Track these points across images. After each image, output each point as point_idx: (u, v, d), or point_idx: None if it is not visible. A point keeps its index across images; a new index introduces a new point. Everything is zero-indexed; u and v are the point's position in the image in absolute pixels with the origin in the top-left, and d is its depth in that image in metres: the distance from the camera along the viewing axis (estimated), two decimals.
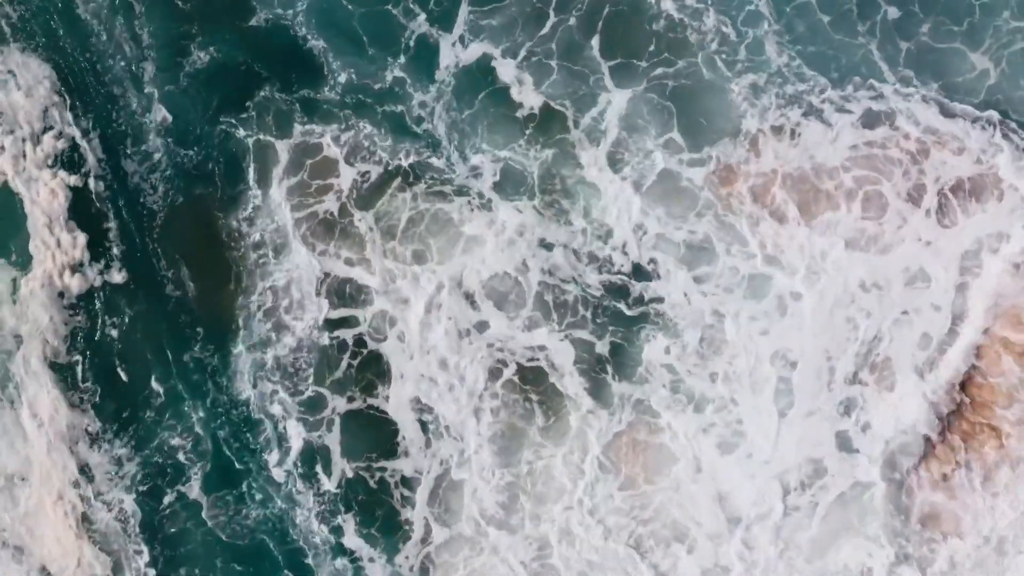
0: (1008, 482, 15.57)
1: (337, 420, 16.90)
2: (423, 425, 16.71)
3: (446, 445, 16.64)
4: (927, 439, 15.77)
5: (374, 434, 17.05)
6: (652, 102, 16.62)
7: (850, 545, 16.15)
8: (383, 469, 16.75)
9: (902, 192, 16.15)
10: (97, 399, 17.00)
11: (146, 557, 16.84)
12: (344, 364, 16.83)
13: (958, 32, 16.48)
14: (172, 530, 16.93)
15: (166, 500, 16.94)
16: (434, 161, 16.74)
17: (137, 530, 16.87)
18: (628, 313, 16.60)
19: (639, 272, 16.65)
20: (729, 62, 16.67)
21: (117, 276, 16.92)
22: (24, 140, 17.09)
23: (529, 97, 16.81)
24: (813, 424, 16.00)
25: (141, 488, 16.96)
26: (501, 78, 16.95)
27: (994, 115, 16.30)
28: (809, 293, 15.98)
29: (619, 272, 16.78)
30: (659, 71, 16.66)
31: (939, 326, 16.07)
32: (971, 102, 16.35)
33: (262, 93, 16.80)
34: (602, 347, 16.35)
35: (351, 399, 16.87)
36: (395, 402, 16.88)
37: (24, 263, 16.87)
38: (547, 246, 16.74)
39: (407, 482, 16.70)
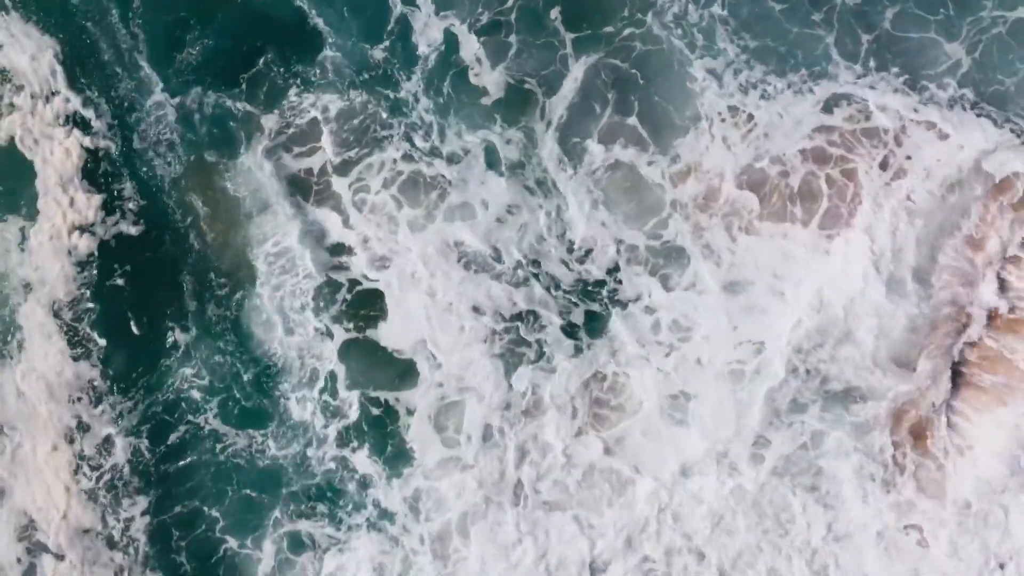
0: None
1: (336, 351, 17.47)
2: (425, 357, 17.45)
3: (447, 375, 17.41)
4: None
5: (378, 365, 17.60)
6: (606, 84, 17.57)
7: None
8: (386, 400, 17.48)
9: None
10: (104, 351, 17.22)
11: (141, 505, 17.20)
12: (344, 300, 17.51)
13: (932, 21, 17.48)
14: (172, 470, 17.31)
15: (170, 440, 17.32)
16: (419, 140, 17.47)
17: (134, 478, 17.19)
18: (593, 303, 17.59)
19: (600, 267, 17.54)
20: (690, 45, 17.56)
21: (132, 229, 17.33)
22: (34, 98, 17.36)
23: (495, 77, 17.59)
24: None
25: (143, 434, 17.27)
26: (473, 56, 17.62)
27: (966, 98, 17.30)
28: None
29: (584, 267, 17.63)
30: (617, 53, 17.55)
31: None
32: (942, 90, 17.25)
33: (256, 66, 17.50)
34: (576, 316, 17.50)
35: (358, 329, 17.41)
36: (395, 334, 17.60)
37: (33, 215, 17.18)
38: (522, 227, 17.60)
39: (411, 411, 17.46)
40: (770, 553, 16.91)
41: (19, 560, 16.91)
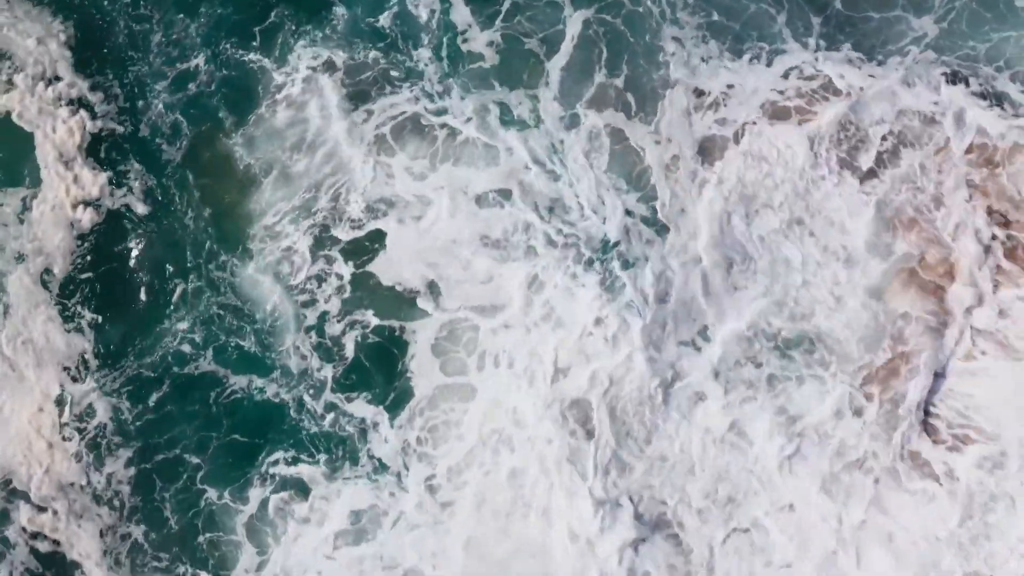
0: None
1: (338, 289, 18.14)
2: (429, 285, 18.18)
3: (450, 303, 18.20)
4: None
5: (380, 302, 18.26)
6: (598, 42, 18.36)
7: None
8: (388, 333, 18.16)
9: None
10: (97, 320, 17.86)
11: (124, 459, 17.80)
12: (346, 243, 18.22)
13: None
14: (157, 425, 17.88)
15: (157, 397, 17.86)
16: (432, 100, 18.30)
17: (119, 436, 17.80)
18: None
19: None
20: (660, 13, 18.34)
21: (138, 205, 18.03)
22: (33, 79, 17.99)
23: (493, 37, 18.35)
24: None
25: (130, 392, 17.85)
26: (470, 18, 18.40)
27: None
28: None
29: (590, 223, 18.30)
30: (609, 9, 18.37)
31: None
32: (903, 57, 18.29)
33: (268, 20, 18.38)
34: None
35: (358, 267, 18.05)
36: (397, 269, 18.31)
37: (36, 187, 17.83)
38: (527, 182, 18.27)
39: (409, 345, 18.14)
40: None
41: None
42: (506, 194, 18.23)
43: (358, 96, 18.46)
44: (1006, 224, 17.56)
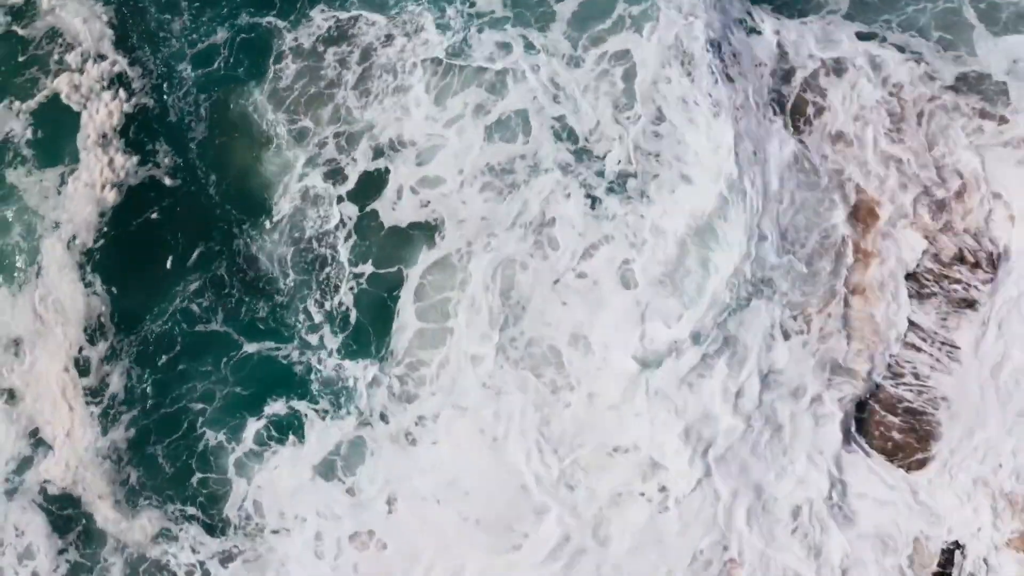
0: None
1: (345, 237, 19.33)
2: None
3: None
4: None
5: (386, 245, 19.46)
6: None
7: None
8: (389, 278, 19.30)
9: None
10: (115, 285, 19.22)
11: (134, 414, 19.09)
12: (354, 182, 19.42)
13: None
14: (166, 384, 19.18)
15: (167, 358, 19.19)
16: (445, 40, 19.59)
17: (131, 395, 19.08)
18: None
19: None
20: None
21: (163, 180, 19.48)
22: (83, 58, 19.46)
23: None
24: None
25: (143, 354, 19.16)
26: None
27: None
28: None
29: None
30: None
31: None
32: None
33: None
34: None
35: (363, 210, 19.30)
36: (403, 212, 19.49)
37: (76, 163, 19.28)
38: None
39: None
40: None
41: (21, 454, 18.92)
42: (518, 124, 19.31)
43: (370, 51, 19.52)
44: None
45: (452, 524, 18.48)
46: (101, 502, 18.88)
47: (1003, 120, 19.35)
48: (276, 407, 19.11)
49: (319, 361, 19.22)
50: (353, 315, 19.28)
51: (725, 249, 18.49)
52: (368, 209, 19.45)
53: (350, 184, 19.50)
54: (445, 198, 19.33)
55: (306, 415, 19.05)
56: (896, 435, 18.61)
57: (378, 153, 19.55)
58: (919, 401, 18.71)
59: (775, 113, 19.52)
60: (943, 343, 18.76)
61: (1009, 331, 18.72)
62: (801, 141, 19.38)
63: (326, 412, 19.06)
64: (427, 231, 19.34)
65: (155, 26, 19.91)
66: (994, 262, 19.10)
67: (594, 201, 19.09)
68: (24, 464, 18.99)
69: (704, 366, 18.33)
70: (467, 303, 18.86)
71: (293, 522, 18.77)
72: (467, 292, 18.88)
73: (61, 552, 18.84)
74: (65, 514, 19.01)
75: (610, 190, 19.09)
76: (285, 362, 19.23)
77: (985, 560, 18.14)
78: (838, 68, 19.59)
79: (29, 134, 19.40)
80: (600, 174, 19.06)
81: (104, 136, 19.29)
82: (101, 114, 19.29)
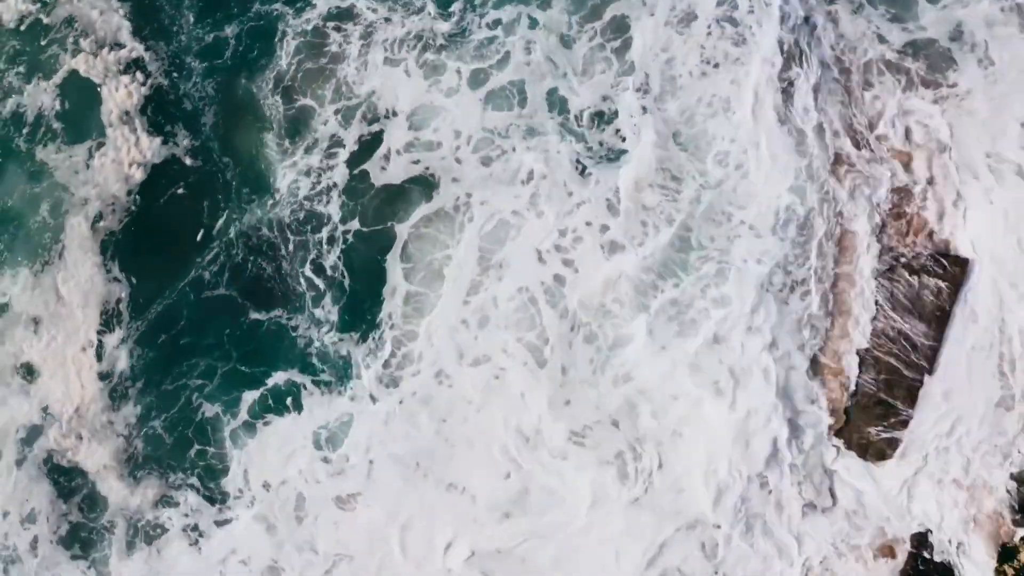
0: None
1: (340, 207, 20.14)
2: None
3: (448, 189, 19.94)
4: None
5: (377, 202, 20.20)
6: None
7: None
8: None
9: None
10: (132, 265, 20.05)
11: (139, 388, 19.88)
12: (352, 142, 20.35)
13: None
14: (172, 360, 19.92)
15: (172, 336, 19.95)
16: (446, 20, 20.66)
17: (139, 372, 19.83)
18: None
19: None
20: None
21: (183, 161, 20.33)
22: (98, 44, 20.43)
23: None
24: None
25: (154, 329, 19.96)
26: None
27: None
28: None
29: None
30: None
31: None
32: None
33: None
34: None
35: (358, 170, 20.14)
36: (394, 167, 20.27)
37: (102, 139, 20.17)
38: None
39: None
40: None
41: (32, 425, 19.73)
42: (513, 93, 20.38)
43: (370, 31, 20.60)
44: None
45: (431, 488, 19.30)
46: (106, 472, 19.62)
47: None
48: (272, 380, 19.87)
49: (314, 330, 19.98)
50: (347, 279, 20.13)
51: None
52: (364, 169, 20.44)
53: (349, 150, 20.50)
54: (442, 160, 20.32)
55: (304, 387, 19.80)
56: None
57: (374, 121, 20.51)
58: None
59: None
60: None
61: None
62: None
63: (320, 384, 19.83)
64: (423, 186, 20.37)
65: (167, 15, 21.03)
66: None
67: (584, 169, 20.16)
68: (33, 435, 19.79)
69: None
70: (455, 264, 19.88)
71: (281, 487, 19.54)
72: (457, 248, 19.90)
73: (64, 515, 19.59)
74: (71, 483, 19.77)
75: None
76: (282, 333, 20.04)
77: (957, 543, 18.69)
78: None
79: (57, 108, 20.47)
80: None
81: (127, 114, 20.25)
82: (120, 94, 20.27)
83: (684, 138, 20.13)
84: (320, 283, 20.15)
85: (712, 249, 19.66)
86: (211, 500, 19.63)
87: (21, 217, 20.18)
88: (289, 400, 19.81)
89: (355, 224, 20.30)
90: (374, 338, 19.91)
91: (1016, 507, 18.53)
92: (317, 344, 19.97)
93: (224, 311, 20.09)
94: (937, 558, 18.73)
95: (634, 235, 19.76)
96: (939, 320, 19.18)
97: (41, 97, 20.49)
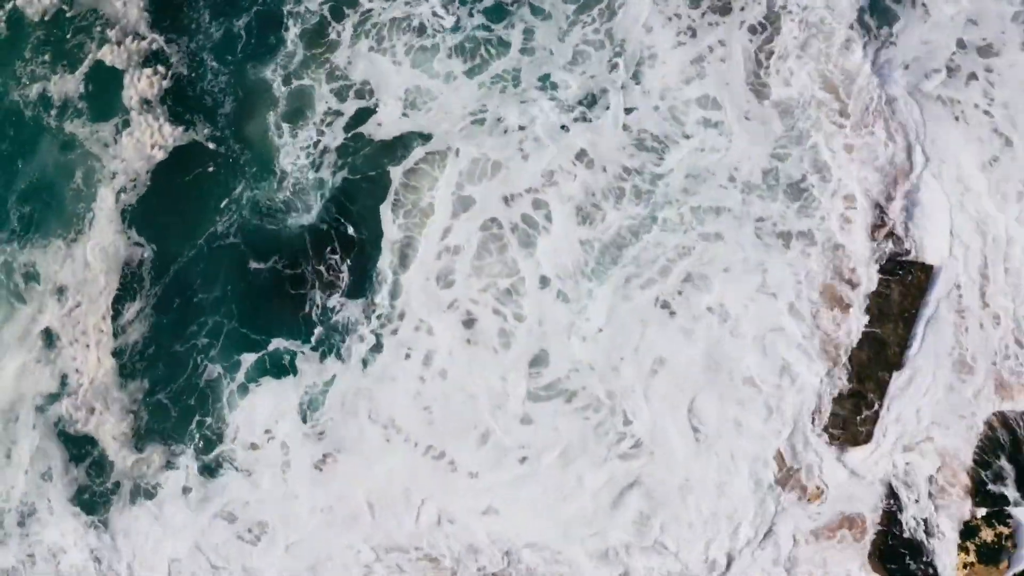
0: None
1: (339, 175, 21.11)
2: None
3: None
4: None
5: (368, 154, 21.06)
6: None
7: None
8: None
9: None
10: (156, 234, 21.08)
11: (153, 352, 20.89)
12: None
13: None
14: (178, 334, 20.99)
15: (187, 297, 20.94)
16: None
17: (150, 339, 20.89)
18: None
19: None
20: None
21: (200, 144, 21.24)
22: (123, 33, 21.26)
23: None
24: None
25: (164, 299, 20.97)
26: None
27: None
28: None
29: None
30: None
31: None
32: None
33: None
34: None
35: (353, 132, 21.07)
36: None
37: (127, 121, 21.20)
38: None
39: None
40: None
41: (48, 392, 20.91)
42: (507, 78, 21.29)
43: (368, 18, 21.50)
44: None
45: (410, 448, 20.42)
46: (114, 441, 20.72)
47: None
48: (272, 344, 20.96)
49: (316, 293, 21.03)
50: (344, 236, 21.20)
51: None
52: (358, 132, 21.39)
53: (346, 120, 21.51)
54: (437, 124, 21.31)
55: (299, 352, 20.91)
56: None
57: (369, 97, 21.48)
58: None
59: None
60: None
61: None
62: None
63: (313, 347, 20.89)
64: (415, 140, 21.32)
65: (184, 10, 21.87)
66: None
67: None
68: (50, 401, 20.87)
69: None
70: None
71: (270, 444, 20.74)
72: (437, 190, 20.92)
73: (74, 478, 20.83)
74: (81, 449, 20.95)
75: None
76: (286, 298, 21.13)
77: (923, 520, 19.73)
78: None
79: (83, 91, 21.50)
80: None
81: (147, 102, 21.20)
82: (143, 83, 21.23)
83: (666, 103, 21.14)
84: (320, 244, 21.26)
85: (689, 205, 20.74)
86: (207, 462, 20.82)
87: (55, 187, 21.25)
88: (284, 362, 20.86)
89: (348, 176, 21.35)
90: (368, 298, 20.93)
91: (976, 489, 19.55)
92: (317, 308, 20.95)
93: (233, 276, 21.18)
94: (906, 535, 19.63)
95: (612, 192, 20.83)
96: (906, 320, 20.09)
97: (67, 84, 21.46)
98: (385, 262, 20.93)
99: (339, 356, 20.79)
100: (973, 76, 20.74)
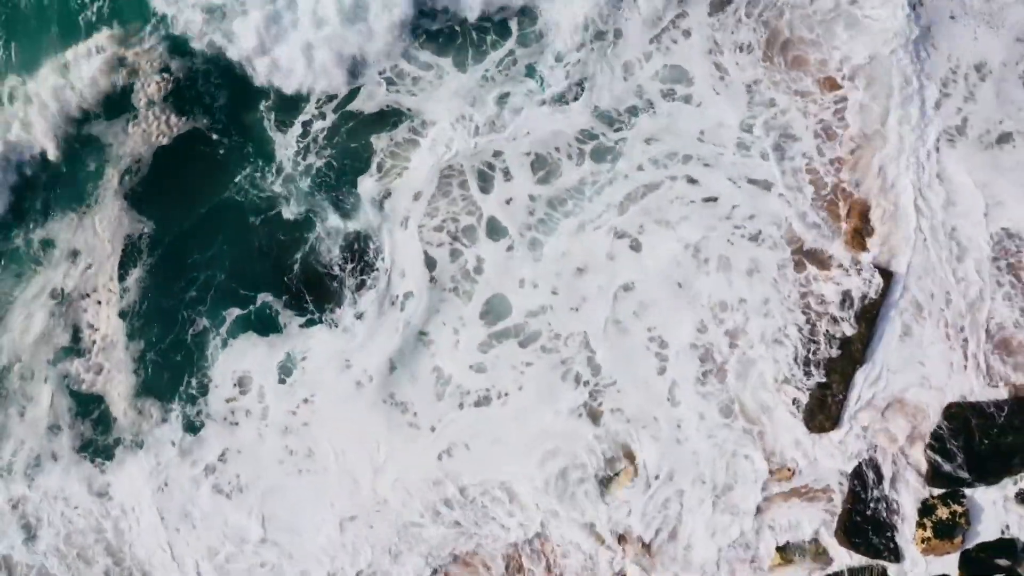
0: None
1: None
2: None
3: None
4: None
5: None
6: None
7: None
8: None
9: None
10: (152, 212, 22.22)
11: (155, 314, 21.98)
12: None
13: None
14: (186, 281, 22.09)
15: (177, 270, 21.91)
16: None
17: (151, 294, 21.97)
18: None
19: None
20: None
21: (202, 133, 22.13)
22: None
23: None
24: None
25: (164, 257, 22.06)
26: None
27: None
28: None
29: None
30: None
31: None
32: None
33: None
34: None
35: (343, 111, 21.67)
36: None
37: (135, 115, 22.12)
38: None
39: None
40: None
41: (60, 347, 22.13)
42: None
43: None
44: None
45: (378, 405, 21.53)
46: (119, 397, 22.05)
47: None
48: (259, 300, 22.02)
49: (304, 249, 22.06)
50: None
51: None
52: (347, 111, 22.17)
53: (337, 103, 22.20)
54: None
55: (280, 310, 22.02)
56: None
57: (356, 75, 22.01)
58: None
59: None
60: None
61: None
62: None
63: (296, 307, 21.96)
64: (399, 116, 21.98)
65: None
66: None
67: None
68: (61, 356, 22.18)
69: None
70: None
71: (249, 396, 21.99)
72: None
73: (80, 431, 22.26)
74: (87, 405, 22.32)
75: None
76: (274, 260, 22.18)
77: (885, 498, 21.19)
78: None
79: (97, 93, 22.34)
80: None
81: (152, 103, 22.12)
82: (152, 87, 22.15)
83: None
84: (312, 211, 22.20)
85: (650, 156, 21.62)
86: (192, 418, 22.09)
87: (73, 170, 22.50)
88: (269, 317, 21.93)
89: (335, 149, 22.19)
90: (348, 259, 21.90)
91: (933, 472, 20.84)
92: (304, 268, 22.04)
93: (229, 250, 22.28)
94: (869, 513, 20.60)
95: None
96: (868, 320, 21.21)
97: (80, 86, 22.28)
98: (367, 215, 22.01)
99: (321, 311, 21.93)
100: None
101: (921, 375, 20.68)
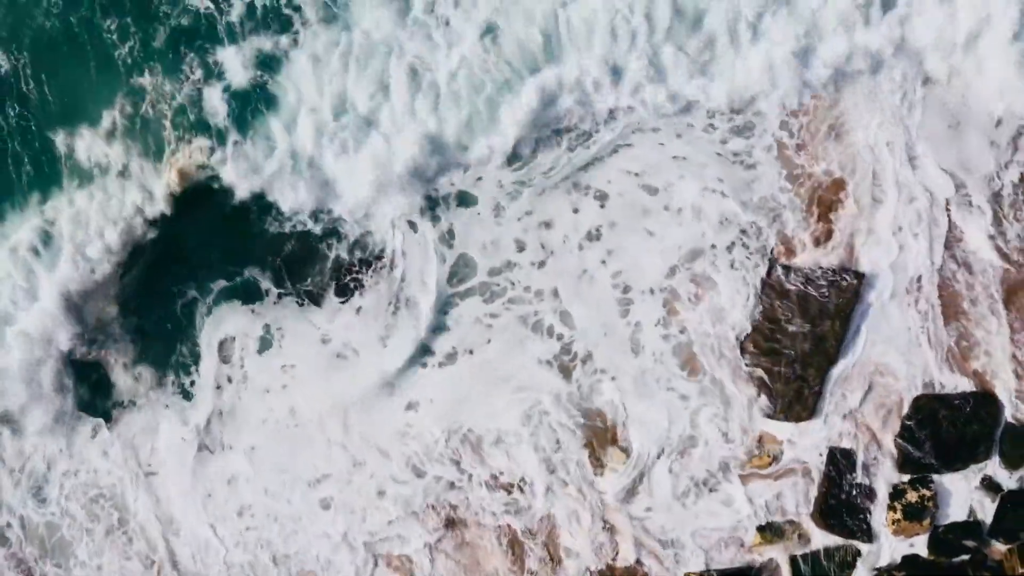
0: None
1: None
2: None
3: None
4: None
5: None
6: None
7: None
8: None
9: None
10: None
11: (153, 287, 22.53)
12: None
13: None
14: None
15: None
16: None
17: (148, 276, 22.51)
18: None
19: None
20: None
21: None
22: None
23: None
24: None
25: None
26: None
27: None
28: None
29: None
30: None
31: None
32: None
33: None
34: None
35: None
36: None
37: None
38: None
39: None
40: None
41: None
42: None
43: None
44: None
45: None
46: (118, 367, 22.78)
47: None
48: (245, 274, 22.60)
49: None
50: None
51: None
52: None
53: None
54: None
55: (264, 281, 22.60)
56: None
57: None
58: None
59: None
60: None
61: None
62: None
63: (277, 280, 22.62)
64: None
65: None
66: None
67: None
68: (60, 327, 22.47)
69: None
70: None
71: (234, 362, 22.69)
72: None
73: (81, 395, 22.97)
74: (89, 373, 22.97)
75: None
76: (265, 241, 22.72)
77: (859, 484, 22.11)
78: None
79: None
80: None
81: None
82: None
83: None
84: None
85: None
86: (182, 385, 22.87)
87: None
88: (253, 287, 22.50)
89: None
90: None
91: (903, 458, 21.68)
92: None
93: (228, 227, 22.81)
94: (843, 497, 21.49)
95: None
96: (842, 319, 22.09)
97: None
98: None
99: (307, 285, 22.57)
100: None
101: (892, 368, 21.60)
